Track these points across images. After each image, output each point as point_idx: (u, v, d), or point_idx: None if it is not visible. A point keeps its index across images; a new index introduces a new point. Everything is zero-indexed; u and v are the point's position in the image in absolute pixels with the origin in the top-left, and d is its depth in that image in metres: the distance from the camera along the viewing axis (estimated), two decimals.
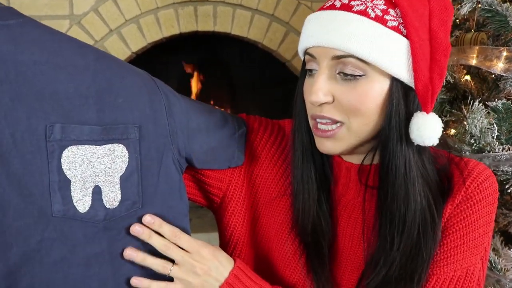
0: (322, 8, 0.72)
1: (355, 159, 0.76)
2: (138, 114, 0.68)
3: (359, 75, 0.67)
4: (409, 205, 0.71)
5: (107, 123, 0.66)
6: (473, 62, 1.16)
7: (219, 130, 0.79)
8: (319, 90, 0.68)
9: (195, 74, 2.49)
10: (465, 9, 1.20)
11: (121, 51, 2.04)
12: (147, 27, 2.05)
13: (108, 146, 0.66)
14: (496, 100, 1.07)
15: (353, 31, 0.66)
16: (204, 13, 2.09)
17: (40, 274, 0.63)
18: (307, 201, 0.77)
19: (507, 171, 0.99)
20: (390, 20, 0.67)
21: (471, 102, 1.09)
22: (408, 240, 0.71)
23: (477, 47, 1.16)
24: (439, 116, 1.21)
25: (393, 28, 0.66)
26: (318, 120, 0.70)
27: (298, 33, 2.15)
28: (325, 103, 0.69)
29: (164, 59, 2.34)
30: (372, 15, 0.66)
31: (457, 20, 1.31)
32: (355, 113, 0.68)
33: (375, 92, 0.68)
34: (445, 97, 1.19)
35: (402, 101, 0.69)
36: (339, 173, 0.79)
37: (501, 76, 1.08)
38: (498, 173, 1.01)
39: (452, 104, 1.24)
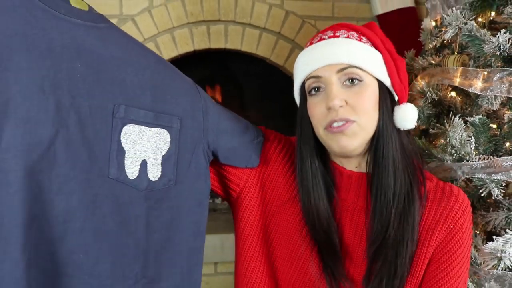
0: (311, 43, 0.89)
1: (349, 165, 0.92)
2: (181, 109, 0.85)
3: (360, 80, 0.85)
4: (396, 181, 0.87)
5: (157, 111, 0.82)
6: (456, 81, 1.30)
7: (241, 135, 0.95)
8: (336, 97, 0.84)
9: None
10: (448, 34, 1.34)
11: None
12: (164, 45, 2.20)
13: (156, 129, 0.82)
14: (474, 115, 1.21)
15: (349, 49, 0.85)
16: (216, 32, 2.23)
17: (90, 222, 0.77)
18: (318, 204, 0.91)
19: (481, 178, 1.13)
20: (365, 41, 0.88)
21: (452, 117, 1.23)
22: (397, 213, 0.87)
23: (460, 68, 1.30)
24: (427, 129, 1.36)
25: (370, 46, 0.87)
26: (334, 124, 0.85)
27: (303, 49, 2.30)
28: (340, 106, 0.84)
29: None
30: (356, 38, 0.87)
31: (444, 42, 1.45)
32: (363, 111, 0.85)
33: (371, 93, 0.87)
34: (430, 112, 1.34)
35: (388, 97, 0.89)
36: (340, 181, 0.93)
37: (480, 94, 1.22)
38: (474, 180, 1.15)
39: (439, 118, 1.38)
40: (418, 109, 1.37)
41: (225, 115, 0.95)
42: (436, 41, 1.51)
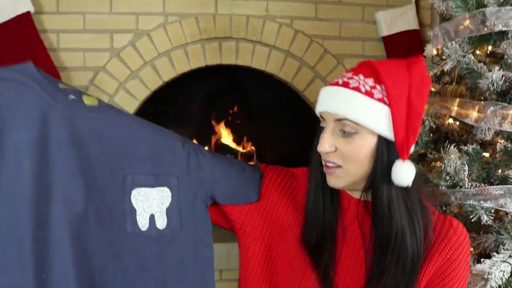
0: (330, 84, 0.96)
1: (356, 194, 0.99)
2: (177, 169, 1.00)
3: (354, 133, 0.90)
4: (392, 228, 0.91)
5: (157, 174, 0.98)
6: (454, 111, 1.39)
7: (237, 177, 1.06)
8: (325, 143, 0.92)
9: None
10: (448, 66, 1.43)
11: (153, 80, 2.28)
12: (177, 59, 2.29)
13: (158, 188, 0.98)
14: (468, 144, 1.30)
15: (348, 102, 0.90)
16: (228, 49, 2.32)
17: (119, 270, 0.95)
18: (319, 221, 0.99)
19: (472, 205, 1.21)
20: (376, 93, 0.90)
21: (448, 145, 1.32)
22: (395, 250, 0.91)
23: (457, 99, 1.39)
24: (425, 155, 1.45)
25: (378, 99, 0.90)
26: (327, 164, 0.94)
27: (310, 67, 2.38)
28: (330, 152, 0.92)
29: (191, 86, 2.58)
30: (363, 90, 0.90)
31: (445, 70, 1.53)
32: (350, 160, 0.91)
33: (365, 146, 0.91)
34: (428, 138, 1.42)
35: (385, 152, 0.91)
36: (343, 204, 1.02)
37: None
38: (466, 206, 1.24)
39: (436, 144, 1.47)
40: None
41: (219, 163, 1.06)
42: (436, 69, 1.59)
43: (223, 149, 2.68)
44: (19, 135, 0.88)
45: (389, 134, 0.90)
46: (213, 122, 2.74)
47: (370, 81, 0.91)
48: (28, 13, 2.10)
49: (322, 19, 2.37)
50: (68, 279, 0.89)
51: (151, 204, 0.97)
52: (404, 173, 0.90)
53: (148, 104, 2.35)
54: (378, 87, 0.90)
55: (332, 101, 0.92)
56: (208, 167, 1.03)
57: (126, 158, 0.96)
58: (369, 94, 0.90)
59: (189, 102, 2.71)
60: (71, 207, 0.90)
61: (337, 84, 0.93)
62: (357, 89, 0.90)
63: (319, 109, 0.96)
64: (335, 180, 0.95)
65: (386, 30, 2.36)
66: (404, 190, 0.92)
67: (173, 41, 2.28)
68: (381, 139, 0.91)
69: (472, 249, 1.31)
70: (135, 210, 0.96)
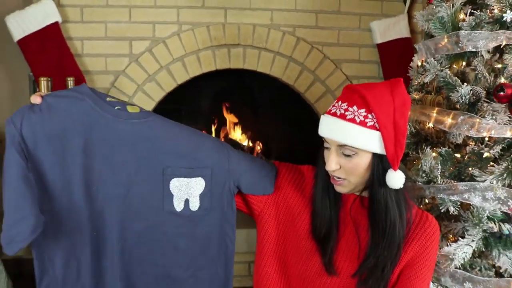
0: (329, 113, 1.16)
1: (355, 192, 1.22)
2: (211, 161, 1.23)
3: (353, 154, 1.12)
4: (387, 222, 1.15)
5: (193, 167, 1.20)
6: (432, 118, 1.61)
7: (257, 172, 1.28)
8: (331, 162, 1.14)
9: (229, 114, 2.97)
10: (427, 78, 1.66)
11: (168, 83, 2.52)
12: (190, 64, 2.53)
13: (194, 179, 1.21)
14: (441, 147, 1.53)
15: (346, 132, 1.11)
16: (236, 54, 2.55)
17: (156, 238, 1.21)
18: (326, 219, 1.22)
19: (443, 198, 1.46)
20: (369, 122, 1.10)
21: (424, 147, 1.56)
22: (389, 237, 1.15)
23: (436, 108, 1.61)
24: (407, 154, 1.68)
25: (370, 127, 1.10)
26: (333, 176, 1.17)
27: (311, 71, 2.61)
28: (336, 170, 1.15)
29: (202, 88, 2.81)
30: (358, 120, 1.10)
31: (425, 84, 1.76)
32: (352, 174, 1.14)
33: (363, 162, 1.13)
34: (410, 141, 1.66)
35: (380, 164, 1.14)
36: (343, 200, 1.25)
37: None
38: (437, 198, 1.48)
39: (417, 145, 1.70)
40: None
41: (244, 159, 1.29)
42: (420, 78, 1.81)
43: (231, 144, 2.90)
44: (76, 140, 1.14)
45: (381, 151, 1.12)
46: (225, 114, 2.97)
47: (362, 112, 1.10)
48: (56, 23, 2.34)
49: (322, 27, 2.60)
50: (112, 238, 1.18)
51: (186, 191, 1.21)
52: (396, 179, 1.13)
53: (163, 104, 2.59)
54: (369, 116, 1.10)
55: (333, 131, 1.13)
56: (235, 162, 1.25)
57: (167, 154, 1.19)
58: (362, 123, 1.10)
59: (200, 102, 2.94)
60: (113, 189, 1.17)
61: (335, 115, 1.14)
62: (352, 120, 1.10)
63: (324, 134, 1.16)
64: (341, 189, 1.19)
65: (380, 38, 2.58)
66: (395, 191, 1.16)
67: (187, 48, 2.51)
68: (375, 155, 1.13)
69: (444, 234, 1.55)
70: (172, 195, 1.20)
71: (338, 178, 1.16)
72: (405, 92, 1.15)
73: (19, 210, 1.08)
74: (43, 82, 1.96)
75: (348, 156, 1.13)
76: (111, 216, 1.19)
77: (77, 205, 1.16)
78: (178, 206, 1.21)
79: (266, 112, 3.08)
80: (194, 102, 2.88)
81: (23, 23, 2.28)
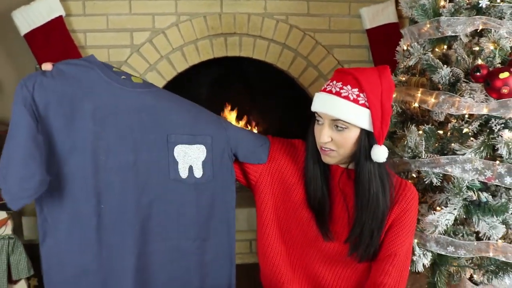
0: (324, 90, 1.29)
1: (342, 165, 1.36)
2: (211, 130, 1.32)
3: (345, 128, 1.25)
4: (370, 190, 1.28)
5: (195, 134, 1.29)
6: (417, 99, 1.74)
7: (253, 142, 1.39)
8: (324, 135, 1.27)
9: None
10: (412, 62, 1.79)
11: (169, 71, 2.62)
12: (189, 53, 2.62)
13: (196, 145, 1.30)
14: (425, 124, 1.67)
15: (341, 108, 1.24)
16: (232, 43, 2.65)
17: (163, 209, 1.29)
18: (318, 189, 1.35)
19: (426, 171, 1.59)
20: (360, 100, 1.24)
21: (410, 125, 1.69)
22: (372, 206, 1.28)
23: (420, 89, 1.74)
24: (394, 132, 1.81)
25: (362, 105, 1.24)
26: (323, 147, 1.30)
27: (304, 57, 2.71)
28: (327, 142, 1.28)
29: (200, 74, 2.91)
30: (351, 98, 1.24)
31: (410, 67, 1.88)
32: (342, 146, 1.27)
33: (352, 136, 1.26)
34: (396, 120, 1.79)
35: (366, 139, 1.27)
36: (332, 172, 1.39)
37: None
38: (422, 172, 1.61)
39: (404, 124, 1.83)
40: None
41: (240, 130, 1.40)
42: (405, 62, 1.93)
43: None
44: (85, 105, 1.21)
45: (369, 127, 1.26)
46: (221, 105, 3.07)
47: (356, 91, 1.25)
48: (60, 17, 2.43)
49: (313, 15, 2.69)
50: (124, 210, 1.24)
51: (190, 158, 1.29)
52: (380, 153, 1.27)
53: None
54: (361, 95, 1.24)
55: (329, 106, 1.25)
56: (232, 131, 1.35)
57: (170, 122, 1.27)
58: (355, 101, 1.24)
59: (199, 89, 3.05)
60: (121, 156, 1.24)
61: (331, 92, 1.27)
62: (347, 98, 1.24)
63: (318, 109, 1.28)
64: (329, 159, 1.32)
65: (369, 23, 2.69)
66: (378, 165, 1.30)
67: (185, 37, 2.60)
68: (363, 131, 1.27)
69: (430, 204, 1.69)
70: (177, 162, 1.28)
71: (327, 149, 1.28)
72: (390, 77, 1.30)
73: (26, 168, 1.12)
74: None
75: (339, 130, 1.25)
76: (122, 187, 1.24)
77: (82, 171, 1.21)
78: (183, 173, 1.28)
79: (262, 97, 3.19)
80: (194, 90, 2.99)
81: (29, 18, 2.37)
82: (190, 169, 1.29)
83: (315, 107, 1.30)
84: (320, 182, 1.36)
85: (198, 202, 1.32)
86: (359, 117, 1.24)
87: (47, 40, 2.40)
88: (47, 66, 1.21)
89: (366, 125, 1.25)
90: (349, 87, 1.25)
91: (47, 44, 2.40)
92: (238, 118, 3.13)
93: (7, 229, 1.98)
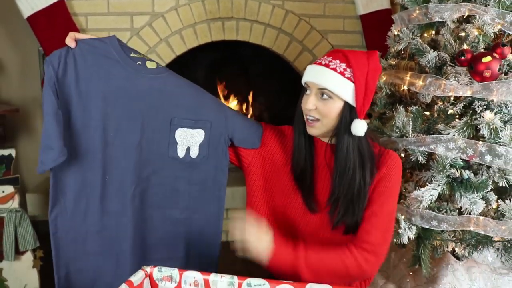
0: (315, 63, 1.36)
1: (325, 140, 1.42)
2: (211, 116, 1.41)
3: (330, 98, 1.33)
4: (347, 162, 1.34)
5: (196, 119, 1.38)
6: (405, 81, 1.82)
7: (248, 129, 1.48)
8: (310, 103, 1.34)
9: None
10: (401, 46, 1.86)
11: (168, 54, 2.68)
12: (187, 37, 2.68)
13: (196, 130, 1.39)
14: (412, 106, 1.74)
15: (328, 77, 1.32)
16: (230, 27, 2.71)
17: (159, 182, 1.39)
18: (302, 158, 1.43)
19: (413, 149, 1.67)
20: (347, 74, 1.31)
21: (398, 106, 1.77)
22: (347, 178, 1.34)
23: (409, 72, 1.81)
24: (384, 113, 1.89)
25: (348, 78, 1.31)
26: (308, 117, 1.37)
27: (299, 42, 2.78)
28: (312, 109, 1.35)
29: (198, 57, 2.97)
30: (338, 70, 1.31)
31: (400, 51, 1.95)
32: (325, 116, 1.35)
33: (336, 107, 1.33)
34: (386, 101, 1.87)
35: (348, 112, 1.34)
36: (316, 146, 1.46)
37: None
38: (408, 150, 1.69)
39: (393, 105, 1.91)
40: (377, 98, 1.92)
41: (238, 117, 1.48)
42: (396, 46, 2.01)
43: None
44: (100, 86, 1.31)
45: (352, 101, 1.33)
46: (218, 88, 3.14)
47: (343, 65, 1.32)
48: (62, 0, 2.47)
49: (309, 0, 2.75)
50: (126, 183, 1.35)
51: (189, 140, 1.38)
52: (359, 127, 1.33)
53: None
54: (348, 69, 1.31)
55: (317, 76, 1.33)
56: (231, 118, 1.44)
57: (176, 106, 1.37)
58: (342, 74, 1.32)
59: (197, 72, 3.11)
60: (129, 135, 1.34)
61: (320, 64, 1.35)
62: (334, 69, 1.32)
63: (307, 79, 1.36)
64: (314, 130, 1.39)
65: (362, 9, 2.75)
66: (358, 140, 1.36)
67: (184, 21, 2.66)
68: (346, 104, 1.33)
69: (416, 181, 1.77)
70: (176, 143, 1.38)
71: (312, 120, 1.36)
72: (378, 60, 1.37)
73: (49, 139, 1.25)
74: None
75: (324, 99, 1.33)
76: (126, 162, 1.34)
77: (92, 146, 1.32)
78: (181, 153, 1.39)
79: (258, 80, 3.25)
80: (192, 72, 3.05)
81: (32, 1, 2.40)
82: (188, 149, 1.39)
83: (305, 77, 1.38)
84: (304, 152, 1.43)
85: (191, 178, 1.42)
86: (343, 89, 1.31)
87: (50, 23, 2.45)
88: (71, 43, 1.31)
89: (350, 98, 1.32)
90: (337, 61, 1.33)
91: (49, 27, 2.45)
92: (234, 100, 3.20)
93: (14, 203, 2.06)
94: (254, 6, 2.69)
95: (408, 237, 1.70)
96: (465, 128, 1.61)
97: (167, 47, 2.68)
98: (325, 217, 1.42)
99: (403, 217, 1.71)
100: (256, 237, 1.25)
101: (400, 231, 1.69)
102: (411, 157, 1.70)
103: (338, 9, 2.80)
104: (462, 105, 1.66)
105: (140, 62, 1.36)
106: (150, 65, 1.37)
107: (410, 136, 1.71)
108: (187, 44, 2.70)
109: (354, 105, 1.33)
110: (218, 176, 1.46)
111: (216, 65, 3.12)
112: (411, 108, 1.74)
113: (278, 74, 3.12)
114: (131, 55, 1.36)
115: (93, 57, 1.30)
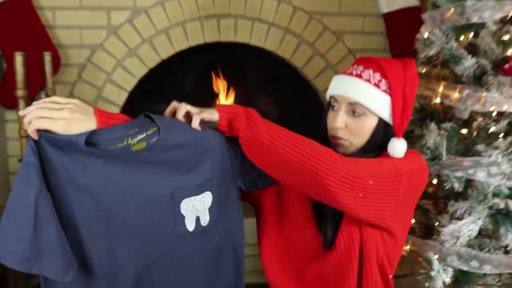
0: (344, 73, 1.41)
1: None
2: (216, 173, 1.40)
3: (362, 114, 1.36)
4: None
5: (200, 183, 1.38)
6: (439, 93, 1.86)
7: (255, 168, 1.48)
8: (339, 120, 1.38)
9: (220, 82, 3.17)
10: (432, 51, 1.91)
11: (151, 58, 2.72)
12: (175, 37, 2.72)
13: (202, 194, 1.39)
14: (446, 122, 1.78)
15: (361, 90, 1.36)
16: (226, 26, 2.75)
17: (170, 263, 1.40)
18: None
19: (447, 175, 1.71)
20: (382, 86, 1.36)
21: (429, 123, 1.81)
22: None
23: (442, 83, 1.86)
24: (412, 131, 1.93)
25: (383, 91, 1.35)
26: (335, 135, 1.40)
27: (309, 44, 2.83)
28: (341, 128, 1.38)
29: (188, 62, 3.01)
30: (373, 82, 1.35)
31: (431, 57, 2.00)
32: (356, 135, 1.38)
33: (368, 125, 1.37)
34: (414, 117, 1.91)
35: (382, 130, 1.38)
36: None
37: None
38: (442, 176, 1.73)
39: (423, 121, 1.95)
40: None
41: (243, 157, 1.44)
42: (426, 51, 2.05)
43: None
44: (78, 179, 1.28)
45: (388, 118, 1.37)
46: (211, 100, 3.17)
47: (377, 76, 1.36)
48: None
49: None
50: (126, 274, 1.36)
51: (196, 208, 1.39)
52: (399, 147, 1.37)
53: (145, 82, 2.79)
54: (383, 81, 1.35)
55: (348, 89, 1.37)
56: (236, 164, 1.45)
57: (173, 176, 1.35)
58: (377, 86, 1.35)
59: (186, 80, 3.15)
60: (124, 225, 1.33)
61: (351, 74, 1.39)
62: (368, 81, 1.36)
63: (336, 92, 1.40)
64: (341, 149, 1.41)
65: (386, 6, 2.81)
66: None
67: (171, 18, 2.71)
68: (381, 121, 1.37)
69: (451, 213, 1.80)
70: (183, 217, 1.38)
71: (340, 139, 1.39)
72: (415, 70, 1.42)
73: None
74: (18, 57, 2.16)
75: (356, 116, 1.37)
76: (124, 252, 1.34)
77: (84, 241, 1.31)
78: (190, 226, 1.39)
79: (259, 89, 3.30)
80: (180, 80, 3.09)
81: None
82: (197, 219, 1.42)
83: (331, 90, 1.42)
84: None
85: (206, 249, 1.45)
86: (379, 103, 1.35)
87: (10, 19, 2.50)
88: (33, 134, 1.23)
89: (386, 114, 1.36)
90: (371, 71, 1.37)
91: (9, 22, 2.50)
92: None
93: None
94: (256, 1, 2.75)
95: (443, 281, 1.73)
96: (510, 150, 1.64)
97: (151, 49, 2.73)
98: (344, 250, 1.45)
99: (436, 256, 1.73)
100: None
101: (432, 273, 1.71)
102: (445, 185, 1.73)
103: (356, 6, 2.85)
104: (507, 122, 1.70)
105: (121, 150, 1.31)
106: (137, 147, 1.31)
107: (444, 159, 1.74)
108: (175, 46, 2.74)
109: (390, 122, 1.38)
110: (232, 234, 1.49)
111: (209, 72, 3.16)
112: (444, 125, 1.78)
113: (283, 83, 3.16)
114: (109, 147, 1.30)
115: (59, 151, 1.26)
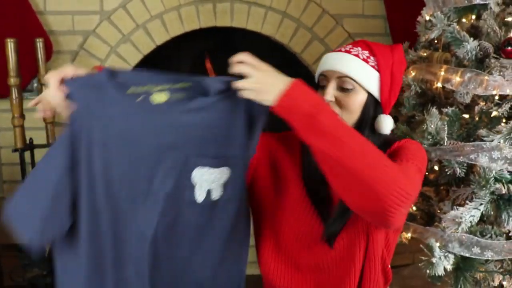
0: (334, 51, 1.44)
1: None
2: (237, 151, 1.38)
3: (351, 89, 1.38)
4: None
5: (219, 157, 1.37)
6: (440, 76, 1.87)
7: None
8: (328, 94, 1.39)
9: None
10: (433, 34, 1.92)
11: (146, 44, 2.73)
12: (170, 22, 2.73)
13: (221, 168, 1.38)
14: (448, 107, 1.80)
15: (349, 64, 1.38)
16: (222, 10, 2.76)
17: (181, 225, 1.41)
18: (317, 180, 1.46)
19: (449, 160, 1.72)
20: (371, 62, 1.39)
21: (430, 107, 1.82)
22: None
23: (444, 66, 1.87)
24: (413, 116, 1.94)
25: (372, 66, 1.39)
26: None
27: (308, 29, 2.84)
28: (331, 101, 1.39)
29: (183, 48, 3.01)
30: (361, 57, 1.39)
31: (432, 40, 2.01)
32: (347, 109, 1.39)
33: (358, 99, 1.39)
34: (415, 102, 1.92)
35: (371, 107, 1.41)
36: None
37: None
38: (443, 161, 1.74)
39: (424, 106, 1.96)
40: (404, 98, 1.97)
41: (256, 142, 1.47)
42: (427, 34, 2.06)
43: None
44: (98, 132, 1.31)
45: (376, 93, 1.40)
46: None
47: (366, 53, 1.41)
48: None
49: None
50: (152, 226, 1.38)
51: (208, 181, 1.38)
52: (386, 123, 1.41)
53: (139, 68, 2.78)
54: (372, 58, 1.40)
55: (337, 62, 1.40)
56: (252, 146, 1.42)
57: (193, 143, 1.34)
58: (365, 61, 1.40)
59: (181, 66, 3.15)
60: (136, 186, 1.34)
61: (340, 51, 1.43)
62: (357, 56, 1.40)
63: (324, 68, 1.42)
64: None
65: None
66: (379, 136, 1.42)
67: (166, 3, 2.71)
68: (370, 97, 1.40)
69: (453, 198, 1.82)
70: (193, 186, 1.37)
71: None
72: (403, 54, 1.46)
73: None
74: (10, 44, 2.16)
75: (345, 90, 1.39)
76: (136, 216, 1.37)
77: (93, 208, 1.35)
78: (200, 197, 1.39)
79: None
80: (175, 66, 3.09)
81: None
82: (208, 192, 1.41)
83: (320, 67, 1.45)
84: (319, 172, 1.46)
85: (212, 226, 1.45)
86: (368, 78, 1.39)
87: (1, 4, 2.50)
88: (58, 89, 1.28)
89: (374, 89, 1.40)
90: (359, 48, 1.42)
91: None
92: None
93: None
94: None
95: (444, 267, 1.74)
96: None
97: (145, 35, 2.73)
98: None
99: (437, 243, 1.75)
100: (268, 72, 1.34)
101: (434, 260, 1.73)
102: (446, 170, 1.74)
103: None
104: (509, 105, 1.71)
105: (141, 98, 1.32)
106: (158, 98, 1.32)
107: (445, 144, 1.76)
108: (170, 31, 2.75)
109: (379, 98, 1.41)
110: (243, 211, 1.50)
111: (205, 57, 3.16)
112: (446, 110, 1.80)
113: (281, 68, 3.15)
114: (128, 91, 1.32)
115: (84, 103, 1.29)
